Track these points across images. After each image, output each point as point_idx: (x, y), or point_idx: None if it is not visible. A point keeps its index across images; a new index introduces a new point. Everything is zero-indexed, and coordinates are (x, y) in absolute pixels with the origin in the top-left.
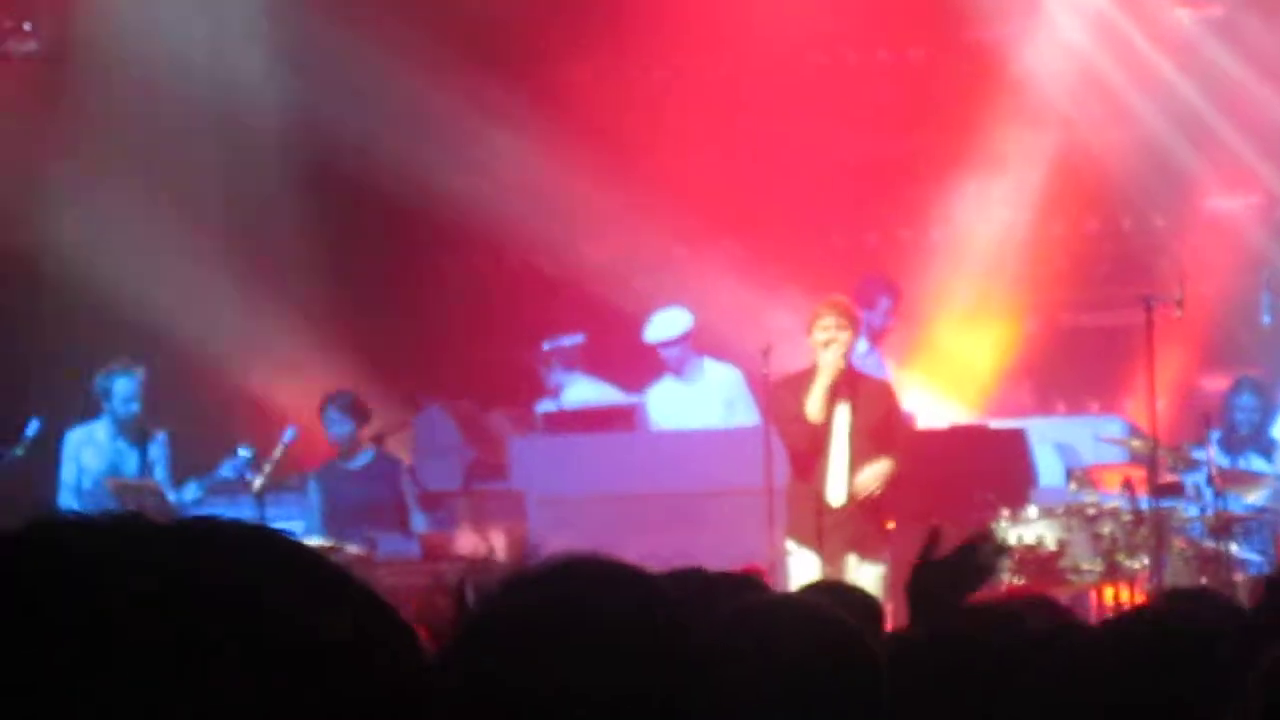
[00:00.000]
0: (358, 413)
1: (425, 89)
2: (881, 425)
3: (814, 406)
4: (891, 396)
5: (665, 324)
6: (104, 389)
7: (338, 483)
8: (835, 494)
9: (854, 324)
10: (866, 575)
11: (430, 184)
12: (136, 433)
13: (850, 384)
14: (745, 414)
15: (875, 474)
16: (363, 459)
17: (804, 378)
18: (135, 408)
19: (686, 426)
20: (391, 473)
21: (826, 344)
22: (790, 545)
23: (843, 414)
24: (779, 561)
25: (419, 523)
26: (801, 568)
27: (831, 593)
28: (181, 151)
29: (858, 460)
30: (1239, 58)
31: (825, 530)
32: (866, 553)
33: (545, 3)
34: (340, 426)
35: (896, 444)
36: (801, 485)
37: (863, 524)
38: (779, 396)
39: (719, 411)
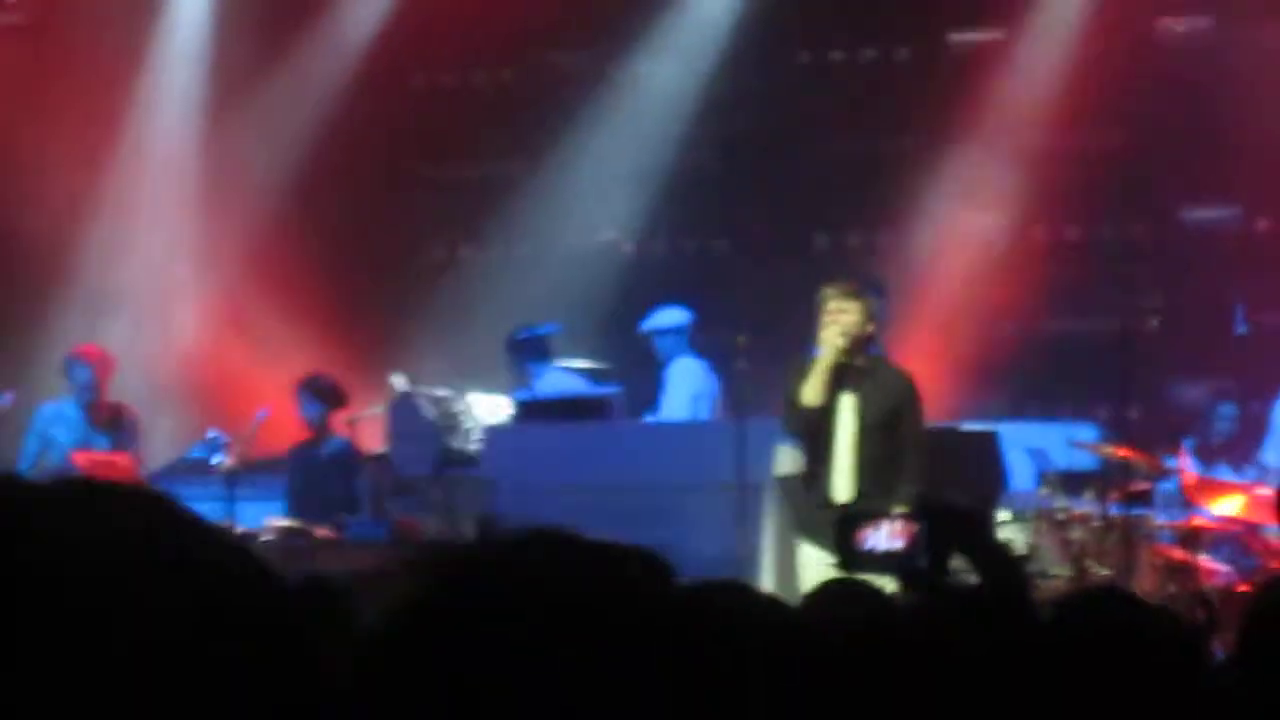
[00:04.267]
0: (327, 396)
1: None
2: (894, 416)
3: (809, 389)
4: (908, 385)
5: (663, 316)
6: (67, 372)
7: (306, 468)
8: (841, 489)
9: (860, 305)
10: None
11: (408, 172)
12: (104, 413)
13: (860, 371)
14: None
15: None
16: (331, 447)
17: (813, 362)
18: (90, 396)
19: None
20: (355, 468)
21: (827, 325)
22: (797, 540)
23: (848, 403)
24: (753, 557)
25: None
26: (810, 564)
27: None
28: (167, 127)
29: (867, 455)
30: (1223, 69)
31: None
32: None
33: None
34: (310, 408)
35: (910, 440)
36: (808, 477)
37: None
38: (785, 378)
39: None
